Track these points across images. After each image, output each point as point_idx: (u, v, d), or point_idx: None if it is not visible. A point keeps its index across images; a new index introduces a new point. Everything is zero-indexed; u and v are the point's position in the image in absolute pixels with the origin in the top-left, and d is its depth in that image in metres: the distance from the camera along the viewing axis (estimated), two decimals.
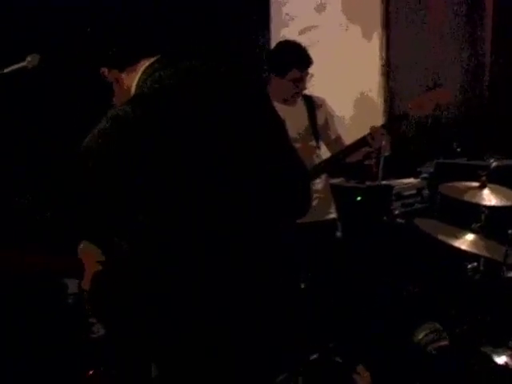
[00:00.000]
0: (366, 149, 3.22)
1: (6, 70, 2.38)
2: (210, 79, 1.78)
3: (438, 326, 2.99)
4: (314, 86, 3.42)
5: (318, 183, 3.39)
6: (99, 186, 1.66)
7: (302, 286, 3.10)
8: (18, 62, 2.36)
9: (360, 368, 3.09)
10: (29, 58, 2.36)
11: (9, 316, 2.83)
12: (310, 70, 3.29)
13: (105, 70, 1.88)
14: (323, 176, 3.42)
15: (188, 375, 1.74)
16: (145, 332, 1.76)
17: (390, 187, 4.05)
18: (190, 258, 1.68)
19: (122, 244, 1.74)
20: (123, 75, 1.85)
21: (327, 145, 3.47)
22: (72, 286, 2.89)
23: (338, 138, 3.45)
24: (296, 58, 3.24)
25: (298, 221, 2.00)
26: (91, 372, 2.82)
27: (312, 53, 3.32)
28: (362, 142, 3.19)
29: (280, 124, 1.91)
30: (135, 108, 1.65)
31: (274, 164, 1.80)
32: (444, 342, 2.94)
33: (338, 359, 3.13)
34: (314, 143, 3.39)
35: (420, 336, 2.97)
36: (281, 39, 3.61)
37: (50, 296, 2.92)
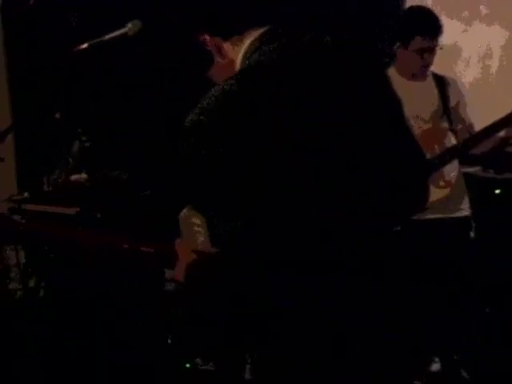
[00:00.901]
0: (508, 133, 2.86)
1: (106, 37, 2.31)
2: (319, 56, 1.65)
3: None
4: (451, 57, 3.06)
5: (450, 171, 3.02)
6: (205, 164, 1.58)
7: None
8: (118, 29, 2.28)
9: None
10: (130, 25, 2.28)
11: (106, 303, 2.85)
12: (446, 41, 2.98)
13: (206, 37, 1.71)
14: (456, 164, 3.06)
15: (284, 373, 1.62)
16: (240, 325, 1.70)
17: None
18: (291, 253, 1.57)
19: (220, 231, 1.62)
20: (227, 45, 1.69)
21: (455, 131, 3.11)
22: (169, 272, 2.85)
23: (470, 126, 3.10)
24: (420, 23, 2.91)
25: (426, 217, 1.73)
26: None
27: (449, 21, 3.00)
28: (506, 121, 2.82)
29: (397, 106, 1.72)
30: (242, 83, 1.58)
31: (387, 151, 1.65)
32: None
33: (465, 374, 2.92)
34: (446, 125, 3.06)
35: None
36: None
37: (148, 282, 2.92)
